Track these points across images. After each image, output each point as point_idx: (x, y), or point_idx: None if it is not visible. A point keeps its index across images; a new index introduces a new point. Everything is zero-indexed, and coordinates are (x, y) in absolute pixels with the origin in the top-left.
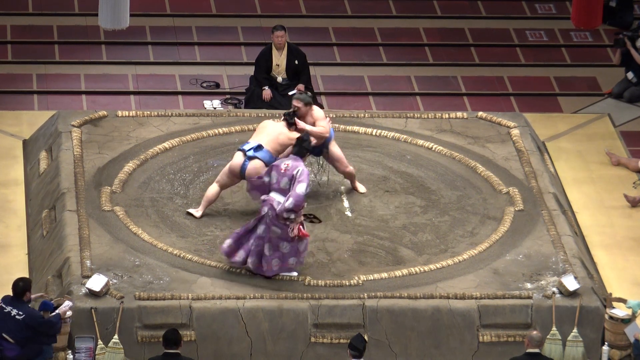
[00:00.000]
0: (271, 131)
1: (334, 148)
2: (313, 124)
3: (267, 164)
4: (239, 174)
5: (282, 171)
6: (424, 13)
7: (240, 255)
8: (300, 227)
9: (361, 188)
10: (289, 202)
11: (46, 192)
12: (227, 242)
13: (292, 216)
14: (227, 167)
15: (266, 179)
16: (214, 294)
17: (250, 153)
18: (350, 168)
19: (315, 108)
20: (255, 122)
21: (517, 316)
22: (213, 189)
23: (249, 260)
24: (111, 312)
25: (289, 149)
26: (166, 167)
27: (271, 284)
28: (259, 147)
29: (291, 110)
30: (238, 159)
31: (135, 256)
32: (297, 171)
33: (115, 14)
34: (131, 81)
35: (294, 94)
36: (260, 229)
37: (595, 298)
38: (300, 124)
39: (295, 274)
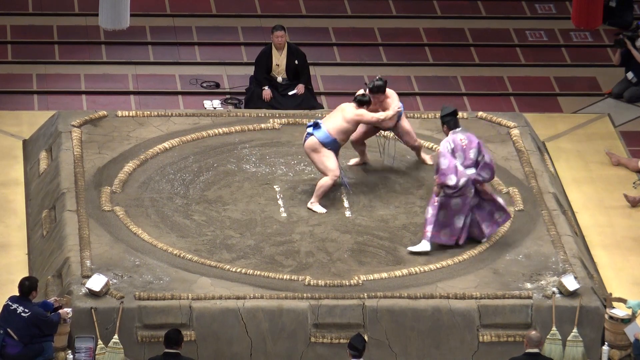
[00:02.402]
0: (336, 111)
1: (404, 123)
2: (384, 106)
3: (322, 142)
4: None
5: (464, 147)
6: (424, 13)
7: (448, 236)
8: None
9: (428, 160)
10: (494, 167)
11: (46, 192)
12: (429, 229)
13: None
14: None
15: (452, 164)
16: (214, 294)
17: (309, 130)
18: (419, 142)
19: (386, 93)
20: (255, 122)
21: (517, 316)
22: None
23: (462, 237)
24: (111, 312)
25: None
26: (166, 167)
27: (271, 283)
28: (316, 125)
29: (362, 92)
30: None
31: (135, 256)
32: (478, 143)
33: (115, 14)
34: (131, 81)
35: (294, 93)
36: (473, 202)
37: (595, 298)
38: (373, 117)
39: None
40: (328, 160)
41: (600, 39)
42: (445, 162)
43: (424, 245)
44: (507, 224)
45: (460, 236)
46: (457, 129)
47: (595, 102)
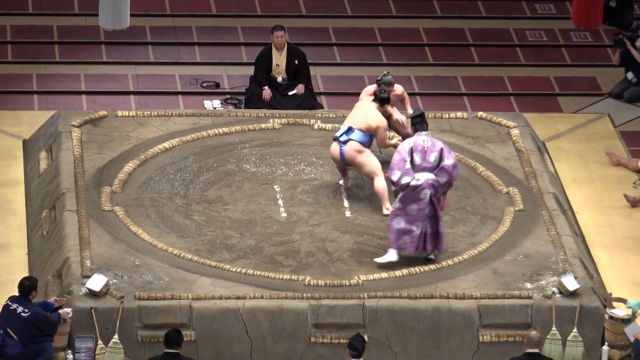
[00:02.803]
0: (360, 111)
1: (396, 114)
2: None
3: (362, 143)
4: (341, 161)
5: (426, 149)
6: (424, 13)
7: (409, 243)
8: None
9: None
10: (455, 175)
11: (46, 192)
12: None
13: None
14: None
15: (401, 161)
16: (214, 294)
17: (343, 138)
18: (408, 131)
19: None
20: (255, 122)
21: (517, 316)
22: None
23: (428, 246)
24: (111, 312)
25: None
26: (166, 167)
27: (271, 283)
28: (349, 130)
29: (381, 90)
30: (334, 147)
31: (135, 256)
32: (442, 148)
33: (115, 14)
34: (131, 81)
35: (294, 93)
36: (428, 210)
37: (595, 298)
38: (394, 140)
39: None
40: (372, 159)
41: (600, 39)
42: (396, 158)
43: (391, 255)
44: (508, 224)
45: (426, 246)
46: (423, 132)
47: (595, 102)
